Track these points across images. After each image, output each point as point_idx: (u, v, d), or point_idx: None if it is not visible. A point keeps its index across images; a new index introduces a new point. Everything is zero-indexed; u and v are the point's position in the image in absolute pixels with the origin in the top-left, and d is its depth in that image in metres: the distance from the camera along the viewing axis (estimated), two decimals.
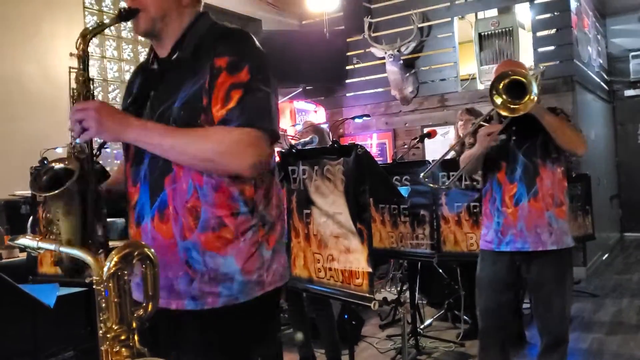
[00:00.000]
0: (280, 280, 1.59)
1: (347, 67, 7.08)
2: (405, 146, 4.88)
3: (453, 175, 3.12)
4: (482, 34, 6.46)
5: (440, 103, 6.68)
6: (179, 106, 1.49)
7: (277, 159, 2.73)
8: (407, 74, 6.66)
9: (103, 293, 0.98)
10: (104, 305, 0.98)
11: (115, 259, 1.00)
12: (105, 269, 0.98)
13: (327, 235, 2.45)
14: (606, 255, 7.24)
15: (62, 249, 1.19)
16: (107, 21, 1.53)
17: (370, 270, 2.32)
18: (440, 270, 4.60)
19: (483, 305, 2.75)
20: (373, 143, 7.08)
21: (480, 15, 6.77)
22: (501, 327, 2.74)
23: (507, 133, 2.62)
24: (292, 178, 2.62)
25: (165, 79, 1.57)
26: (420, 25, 6.59)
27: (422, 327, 4.41)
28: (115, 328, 0.97)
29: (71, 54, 4.77)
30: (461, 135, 4.18)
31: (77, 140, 1.46)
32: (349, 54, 7.09)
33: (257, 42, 1.57)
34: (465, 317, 4.27)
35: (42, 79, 4.57)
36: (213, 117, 1.47)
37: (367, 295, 2.33)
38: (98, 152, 1.54)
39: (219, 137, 1.45)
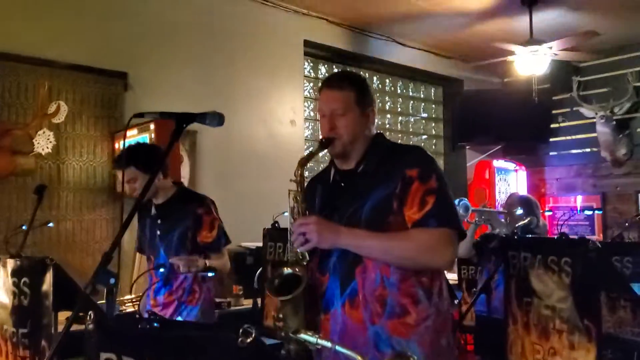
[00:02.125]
0: None
1: (552, 126, 6.83)
2: (626, 223, 4.53)
3: None
4: None
5: None
6: (370, 208, 1.77)
7: (498, 243, 2.76)
8: (620, 135, 6.22)
9: None
10: None
11: None
12: None
13: (549, 328, 2.41)
14: None
15: (338, 348, 1.38)
16: (313, 150, 1.90)
17: None
18: None
19: None
20: (578, 205, 6.68)
21: None
22: None
23: None
24: (511, 263, 2.63)
25: (352, 186, 1.86)
26: (636, 85, 6.15)
27: None
28: None
29: (291, 121, 5.30)
30: None
31: (300, 249, 1.74)
32: (554, 112, 6.84)
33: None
34: None
35: (267, 141, 5.12)
36: (406, 218, 1.73)
37: None
38: (311, 258, 1.81)
39: (421, 238, 1.71)
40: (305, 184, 2.07)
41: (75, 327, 1.35)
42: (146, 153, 2.72)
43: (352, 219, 1.78)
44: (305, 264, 1.76)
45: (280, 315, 1.73)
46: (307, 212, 1.82)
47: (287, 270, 1.77)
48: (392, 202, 1.75)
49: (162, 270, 2.54)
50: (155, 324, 1.27)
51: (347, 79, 1.93)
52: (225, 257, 2.89)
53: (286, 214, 3.66)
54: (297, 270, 1.75)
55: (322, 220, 1.77)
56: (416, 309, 1.72)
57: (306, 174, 1.93)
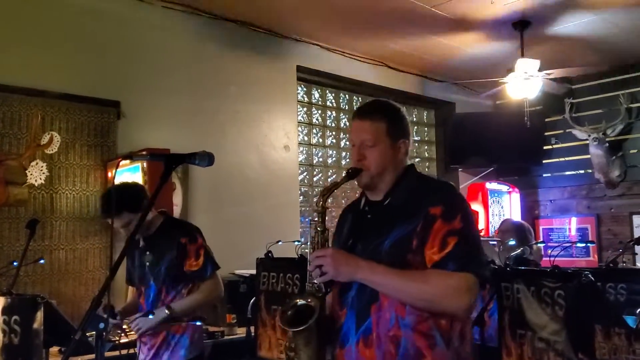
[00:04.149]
0: None
1: (545, 147, 6.86)
2: (620, 250, 4.53)
3: None
4: None
5: None
6: (390, 244, 1.72)
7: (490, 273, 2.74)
8: (613, 157, 6.26)
9: None
10: None
11: None
12: None
13: None
14: None
15: None
16: (338, 181, 1.82)
17: None
18: None
19: None
20: (572, 227, 6.69)
21: None
22: None
23: None
24: (504, 295, 2.62)
25: (377, 219, 1.82)
26: (628, 106, 6.21)
27: None
28: None
29: (285, 147, 5.30)
30: None
31: (316, 281, 1.71)
32: (547, 133, 6.87)
33: (461, 193, 1.81)
34: None
35: (259, 167, 5.11)
36: (425, 258, 1.68)
37: None
38: (329, 290, 1.79)
39: (438, 281, 1.64)
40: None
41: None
42: (127, 194, 2.73)
43: (373, 254, 1.74)
44: (320, 295, 1.72)
45: (293, 346, 1.71)
46: (327, 244, 1.79)
47: (300, 302, 1.74)
48: (412, 240, 1.69)
49: (150, 317, 2.52)
50: None
51: (379, 109, 1.87)
52: (214, 283, 2.84)
53: (280, 242, 3.68)
54: (310, 301, 1.72)
55: (339, 252, 1.73)
56: (432, 352, 1.65)
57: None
